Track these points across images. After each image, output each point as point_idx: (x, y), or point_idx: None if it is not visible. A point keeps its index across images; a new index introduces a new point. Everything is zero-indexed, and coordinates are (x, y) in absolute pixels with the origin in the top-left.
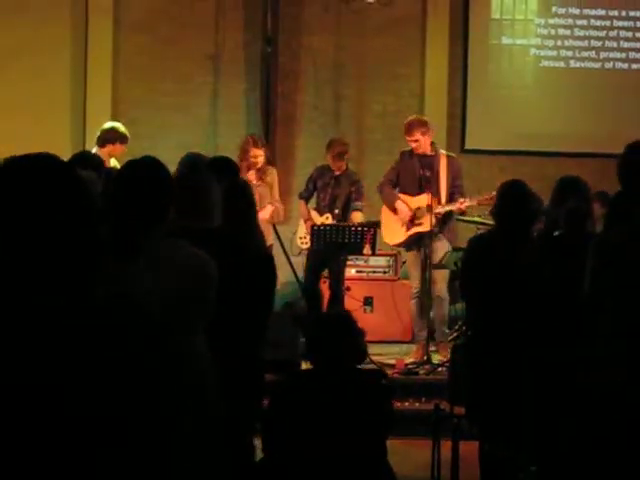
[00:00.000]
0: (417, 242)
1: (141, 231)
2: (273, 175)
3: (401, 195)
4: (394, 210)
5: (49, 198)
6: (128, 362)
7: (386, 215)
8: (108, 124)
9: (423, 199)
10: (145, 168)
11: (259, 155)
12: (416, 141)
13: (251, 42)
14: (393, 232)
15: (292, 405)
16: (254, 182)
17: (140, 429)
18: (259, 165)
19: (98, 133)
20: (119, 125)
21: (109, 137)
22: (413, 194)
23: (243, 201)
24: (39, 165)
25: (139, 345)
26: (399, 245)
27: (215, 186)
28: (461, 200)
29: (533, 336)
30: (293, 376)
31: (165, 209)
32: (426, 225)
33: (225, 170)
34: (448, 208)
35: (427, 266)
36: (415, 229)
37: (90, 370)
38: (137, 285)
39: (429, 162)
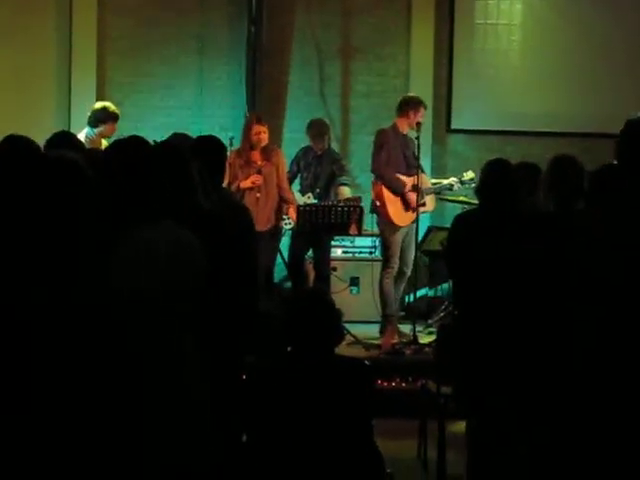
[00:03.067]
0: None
1: (128, 213)
2: (279, 156)
3: (400, 177)
4: (403, 195)
5: (23, 183)
6: (112, 353)
7: (389, 197)
8: (98, 104)
9: (421, 179)
10: (132, 148)
11: (262, 132)
12: (421, 117)
13: (235, 22)
14: (401, 214)
15: (273, 387)
16: (258, 162)
17: (123, 418)
18: (263, 143)
19: (89, 113)
20: (109, 104)
21: (101, 117)
22: (405, 174)
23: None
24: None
25: (122, 334)
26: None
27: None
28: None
29: (521, 315)
30: (274, 358)
31: (152, 189)
32: (429, 206)
33: (206, 148)
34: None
35: (416, 245)
36: (422, 209)
37: (75, 362)
38: (122, 271)
39: (406, 141)
